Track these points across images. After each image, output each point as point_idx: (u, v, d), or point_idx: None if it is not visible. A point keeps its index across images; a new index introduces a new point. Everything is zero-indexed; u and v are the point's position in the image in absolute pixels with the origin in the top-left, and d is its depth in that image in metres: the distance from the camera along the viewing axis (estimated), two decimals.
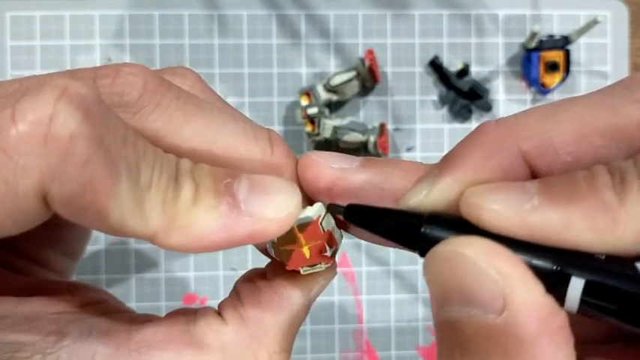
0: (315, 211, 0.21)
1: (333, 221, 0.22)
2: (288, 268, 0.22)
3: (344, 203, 0.21)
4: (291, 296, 0.22)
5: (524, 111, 0.20)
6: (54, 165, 0.16)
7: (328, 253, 0.22)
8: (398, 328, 0.67)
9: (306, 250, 0.22)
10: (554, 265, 0.17)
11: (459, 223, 0.19)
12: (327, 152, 0.22)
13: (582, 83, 0.69)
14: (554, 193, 0.17)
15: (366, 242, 0.23)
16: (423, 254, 0.19)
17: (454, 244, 0.18)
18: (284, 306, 0.22)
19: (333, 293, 0.66)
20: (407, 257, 0.67)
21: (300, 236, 0.21)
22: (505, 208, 0.18)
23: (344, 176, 0.21)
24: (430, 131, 0.67)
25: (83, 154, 0.16)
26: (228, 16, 0.66)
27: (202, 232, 0.19)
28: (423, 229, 0.19)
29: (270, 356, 0.21)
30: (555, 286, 0.17)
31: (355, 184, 0.21)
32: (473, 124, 0.68)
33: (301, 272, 0.22)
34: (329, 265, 0.22)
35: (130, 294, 0.64)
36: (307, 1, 0.66)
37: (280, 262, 0.22)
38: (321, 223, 0.21)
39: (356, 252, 0.66)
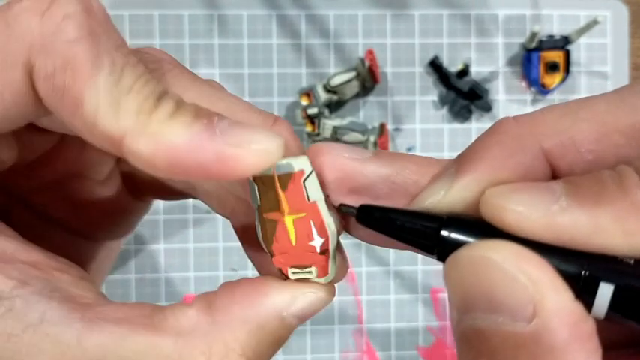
0: (299, 163, 0.20)
1: (322, 196, 0.21)
2: (275, 257, 0.21)
3: (355, 204, 0.20)
4: (268, 294, 0.20)
5: (541, 109, 0.19)
6: (44, 37, 0.18)
7: (316, 244, 0.20)
8: (398, 328, 0.67)
9: (289, 223, 0.20)
10: (581, 269, 0.17)
11: (479, 226, 0.18)
12: (338, 144, 0.22)
13: (582, 83, 0.69)
14: (581, 194, 0.17)
15: (365, 243, 0.22)
16: (441, 258, 0.18)
17: (479, 249, 0.17)
18: (257, 302, 0.20)
19: None
20: (407, 257, 0.67)
21: (282, 196, 0.20)
22: (531, 210, 0.17)
23: (355, 166, 0.21)
24: (430, 131, 0.67)
25: (72, 34, 0.18)
26: (228, 16, 0.66)
27: (172, 143, 0.18)
28: (442, 232, 0.18)
29: (226, 352, 0.19)
30: (582, 292, 0.17)
31: (366, 175, 0.21)
32: (473, 124, 0.68)
33: (289, 275, 0.21)
34: (323, 279, 0.21)
35: (130, 294, 0.64)
36: (307, 1, 0.66)
37: (268, 268, 0.21)
38: (304, 183, 0.20)
39: (356, 252, 0.66)
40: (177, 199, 0.28)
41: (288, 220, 0.20)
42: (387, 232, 0.20)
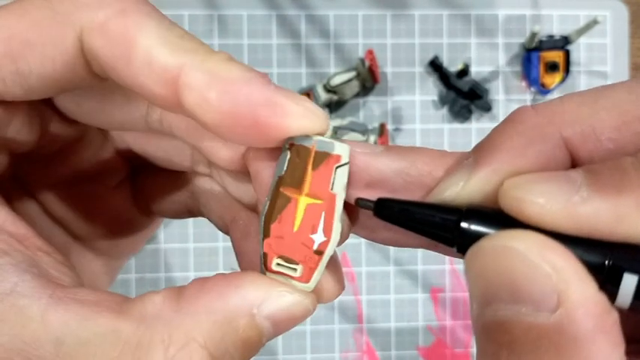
0: (341, 148, 0.20)
1: (344, 194, 0.20)
2: (267, 239, 0.20)
3: (373, 197, 0.20)
4: (239, 287, 0.19)
5: (559, 98, 0.19)
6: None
7: (316, 239, 0.19)
8: (398, 328, 0.67)
9: (302, 205, 0.20)
10: (604, 259, 0.17)
11: (500, 217, 0.18)
12: (349, 140, 0.21)
13: (582, 83, 0.69)
14: (601, 182, 0.16)
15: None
16: (461, 250, 0.18)
17: (502, 238, 0.17)
18: (227, 294, 0.19)
19: None
20: (407, 257, 0.67)
21: (309, 174, 0.19)
22: (551, 202, 0.16)
23: (369, 161, 0.20)
24: (430, 131, 0.67)
25: None
26: (228, 16, 0.66)
27: (228, 78, 0.18)
28: (462, 224, 0.18)
29: (187, 341, 0.18)
30: (606, 282, 0.16)
31: (380, 169, 0.20)
32: (473, 124, 0.68)
33: (272, 265, 0.19)
34: (302, 285, 0.20)
35: (130, 294, 0.64)
36: (307, 1, 0.66)
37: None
38: (336, 169, 0.19)
39: (356, 252, 0.66)
40: (183, 217, 0.28)
41: (303, 201, 0.20)
42: (405, 225, 0.19)
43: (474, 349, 0.68)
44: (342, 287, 0.21)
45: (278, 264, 0.20)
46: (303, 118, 0.18)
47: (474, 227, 0.18)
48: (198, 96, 0.18)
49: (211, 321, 0.18)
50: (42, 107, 0.22)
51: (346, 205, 0.21)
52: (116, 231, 0.28)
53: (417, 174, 0.20)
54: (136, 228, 0.29)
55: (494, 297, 0.17)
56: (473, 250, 0.17)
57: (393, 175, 0.20)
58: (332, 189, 0.20)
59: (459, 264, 0.66)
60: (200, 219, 0.27)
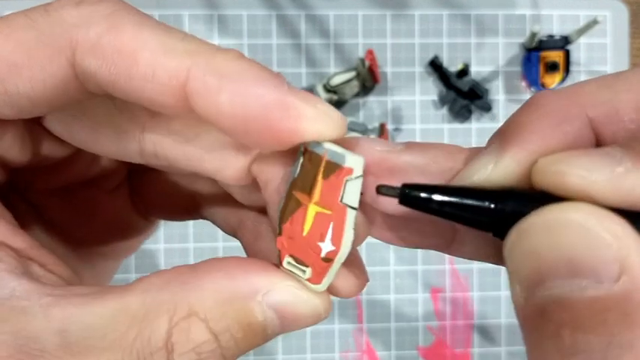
0: (353, 160, 0.19)
1: (357, 206, 0.19)
2: (280, 237, 0.19)
3: (397, 184, 0.19)
4: (248, 271, 0.19)
5: (578, 82, 0.19)
6: (82, 17, 0.18)
7: (324, 248, 0.19)
8: (398, 328, 0.67)
9: (311, 213, 0.19)
10: None
11: (541, 197, 0.17)
12: (370, 137, 0.21)
13: None
14: None
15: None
16: (499, 234, 0.18)
17: (556, 211, 0.16)
18: (235, 276, 0.19)
19: None
20: (407, 257, 0.67)
21: (319, 182, 0.19)
22: (595, 174, 0.16)
23: (388, 158, 0.20)
24: (430, 131, 0.67)
25: (109, 8, 0.18)
26: (228, 16, 0.66)
27: (238, 79, 0.17)
28: (500, 206, 0.17)
29: (189, 314, 0.18)
30: None
31: (400, 166, 0.20)
32: (473, 124, 0.68)
33: (284, 263, 0.19)
34: (313, 286, 0.19)
35: None
36: (307, 1, 0.66)
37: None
38: (346, 182, 0.19)
39: None
40: (183, 219, 0.27)
41: (312, 209, 0.19)
42: (433, 211, 0.19)
43: (474, 349, 0.68)
44: (363, 281, 0.21)
45: (289, 262, 0.19)
46: (318, 122, 0.18)
47: (514, 208, 0.17)
48: (208, 101, 0.17)
49: (214, 298, 0.18)
50: (34, 128, 0.21)
51: (364, 207, 0.20)
52: (114, 234, 0.27)
53: (438, 170, 0.20)
54: (134, 230, 0.28)
55: (549, 274, 0.16)
56: (519, 229, 0.17)
57: (413, 172, 0.20)
58: (341, 201, 0.19)
59: (459, 264, 0.66)
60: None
